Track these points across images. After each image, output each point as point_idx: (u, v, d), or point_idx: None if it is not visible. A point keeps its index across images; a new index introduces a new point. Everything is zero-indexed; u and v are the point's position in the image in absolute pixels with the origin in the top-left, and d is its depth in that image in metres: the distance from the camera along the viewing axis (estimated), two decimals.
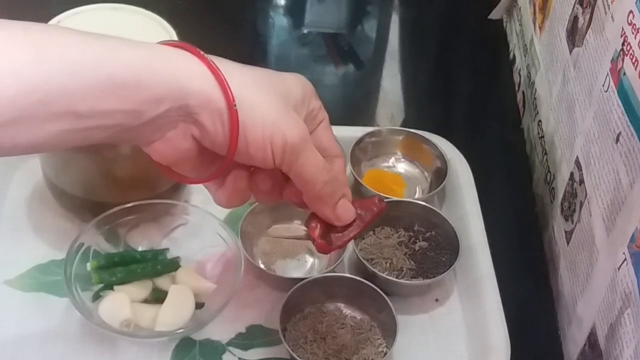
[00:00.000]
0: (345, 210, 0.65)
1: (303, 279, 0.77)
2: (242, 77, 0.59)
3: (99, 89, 0.53)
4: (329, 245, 0.66)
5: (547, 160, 0.91)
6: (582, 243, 0.77)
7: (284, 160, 0.60)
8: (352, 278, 0.78)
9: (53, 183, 0.81)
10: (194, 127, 0.58)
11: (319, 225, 0.65)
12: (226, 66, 0.58)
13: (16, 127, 0.51)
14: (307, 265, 0.82)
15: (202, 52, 0.58)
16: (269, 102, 0.59)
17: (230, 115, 0.57)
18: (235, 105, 0.57)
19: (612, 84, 0.72)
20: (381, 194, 0.85)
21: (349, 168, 0.87)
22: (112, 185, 0.79)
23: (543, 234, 0.90)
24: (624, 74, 0.69)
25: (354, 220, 0.66)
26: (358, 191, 0.88)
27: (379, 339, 0.76)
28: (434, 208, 0.85)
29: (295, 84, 0.62)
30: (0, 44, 0.51)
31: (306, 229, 0.66)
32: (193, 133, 0.59)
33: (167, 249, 0.79)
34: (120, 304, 0.74)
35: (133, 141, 0.59)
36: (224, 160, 0.59)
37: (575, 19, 0.84)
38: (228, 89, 0.57)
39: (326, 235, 0.66)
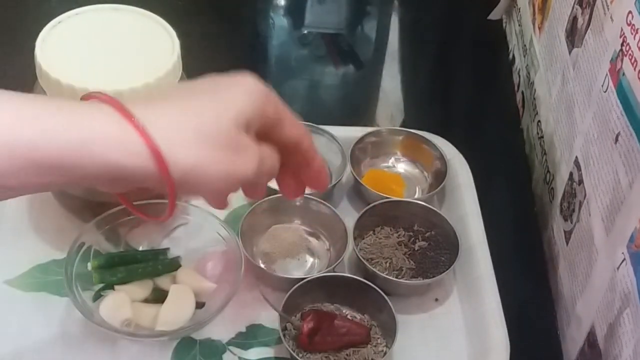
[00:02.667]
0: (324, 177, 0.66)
1: (303, 278, 0.77)
2: (194, 140, 0.55)
3: (32, 170, 0.53)
4: (309, 345, 0.73)
5: (546, 160, 0.91)
6: (582, 243, 0.77)
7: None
8: (352, 278, 0.78)
9: None
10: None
11: (312, 323, 0.73)
12: (166, 129, 0.54)
13: None
14: (307, 265, 0.82)
15: (135, 119, 0.54)
16: (215, 160, 0.56)
17: (170, 188, 0.55)
18: (173, 181, 0.55)
19: (611, 84, 0.72)
20: (381, 194, 0.85)
21: (349, 168, 0.87)
22: None
23: (542, 234, 0.90)
24: (623, 74, 0.69)
25: (338, 332, 0.74)
26: (358, 191, 0.88)
27: (378, 338, 0.76)
28: (434, 208, 0.85)
29: (242, 101, 0.57)
30: None
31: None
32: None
33: (168, 248, 0.79)
34: (121, 303, 0.74)
35: None
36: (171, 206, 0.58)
37: (574, 20, 0.85)
38: (168, 172, 0.54)
39: (311, 335, 0.73)
